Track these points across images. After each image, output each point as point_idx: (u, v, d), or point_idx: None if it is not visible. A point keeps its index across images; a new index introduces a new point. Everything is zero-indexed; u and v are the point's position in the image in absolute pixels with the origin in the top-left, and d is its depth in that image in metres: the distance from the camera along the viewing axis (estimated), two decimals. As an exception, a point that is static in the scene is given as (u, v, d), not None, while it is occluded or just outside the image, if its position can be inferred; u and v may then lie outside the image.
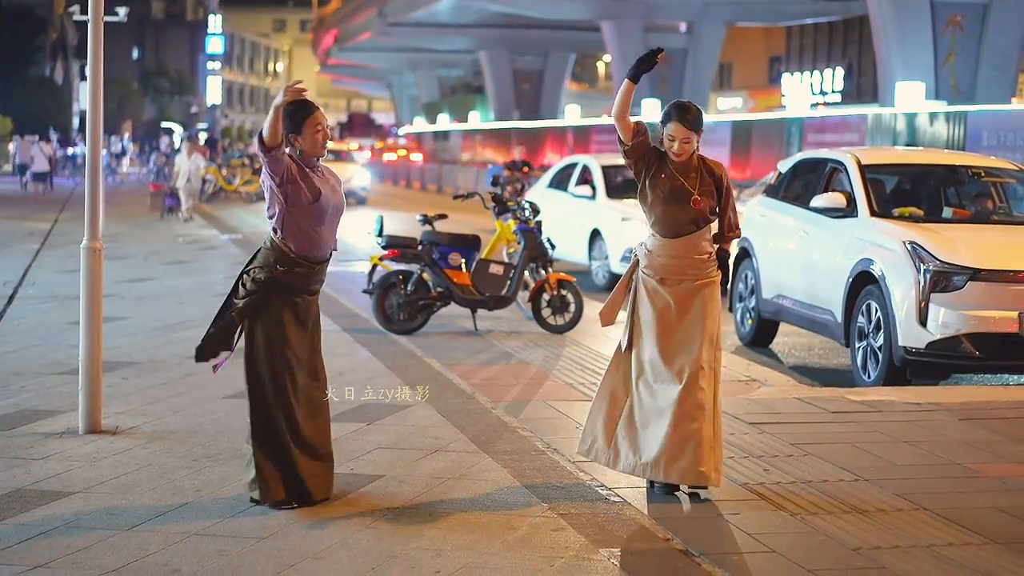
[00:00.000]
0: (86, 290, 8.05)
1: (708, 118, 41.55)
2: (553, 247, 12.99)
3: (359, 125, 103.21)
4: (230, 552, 5.75)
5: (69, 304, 12.87)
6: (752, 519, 6.41)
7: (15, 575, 5.43)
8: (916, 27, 34.62)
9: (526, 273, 12.68)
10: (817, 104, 56.53)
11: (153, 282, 16.18)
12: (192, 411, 8.65)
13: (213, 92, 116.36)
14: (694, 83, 53.27)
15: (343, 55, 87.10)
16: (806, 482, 7.11)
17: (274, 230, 6.50)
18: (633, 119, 6.79)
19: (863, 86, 55.98)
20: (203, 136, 61.21)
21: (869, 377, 10.57)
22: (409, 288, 12.23)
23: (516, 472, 7.17)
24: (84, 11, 29.13)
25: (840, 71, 58.20)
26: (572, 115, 67.26)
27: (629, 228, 17.25)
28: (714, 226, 6.90)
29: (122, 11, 38.50)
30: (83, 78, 65.13)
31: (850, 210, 11.21)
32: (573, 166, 19.53)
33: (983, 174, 11.88)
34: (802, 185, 12.55)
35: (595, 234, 17.88)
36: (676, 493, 6.75)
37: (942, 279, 9.95)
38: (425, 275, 12.33)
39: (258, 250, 6.66)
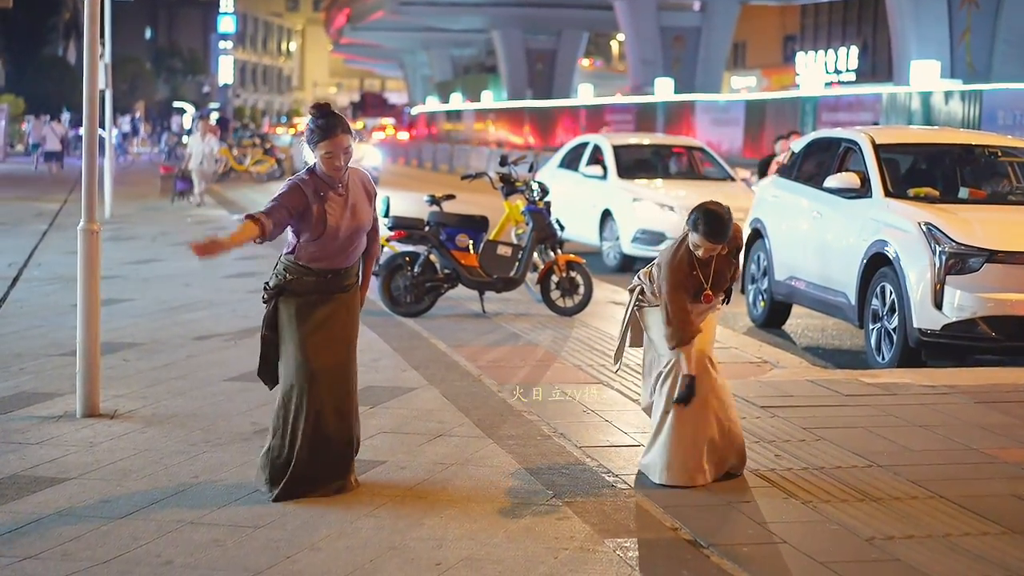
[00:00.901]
0: (84, 273, 7.92)
1: (722, 97, 41.36)
2: (562, 228, 12.80)
3: (372, 105, 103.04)
4: (225, 542, 5.60)
5: (73, 286, 12.60)
6: (763, 507, 6.24)
7: (4, 566, 5.29)
8: (931, 4, 34.28)
9: (535, 254, 12.50)
10: (831, 83, 56.14)
11: (160, 263, 16.03)
12: (193, 394, 8.50)
13: (225, 72, 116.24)
14: (708, 62, 52.94)
15: (356, 34, 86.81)
16: (818, 468, 6.93)
17: (288, 241, 6.34)
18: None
19: (878, 65, 55.54)
20: (215, 116, 61.09)
21: (883, 359, 10.38)
22: (416, 270, 12.06)
23: (521, 458, 7.01)
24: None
25: (855, 50, 57.78)
26: (585, 94, 66.93)
27: (640, 208, 17.10)
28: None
29: (132, -10, 38.34)
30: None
31: (864, 191, 11.02)
32: (584, 146, 19.33)
33: (1000, 154, 11.65)
34: (815, 165, 12.35)
35: (606, 214, 17.70)
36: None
37: (958, 261, 9.75)
38: (432, 256, 12.16)
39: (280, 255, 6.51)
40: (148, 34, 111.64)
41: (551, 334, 11.27)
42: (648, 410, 6.92)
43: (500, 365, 9.75)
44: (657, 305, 6.72)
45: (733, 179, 18.48)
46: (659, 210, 17.00)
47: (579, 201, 18.05)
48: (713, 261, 6.62)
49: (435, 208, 12.57)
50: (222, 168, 35.23)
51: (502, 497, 6.31)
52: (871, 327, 10.60)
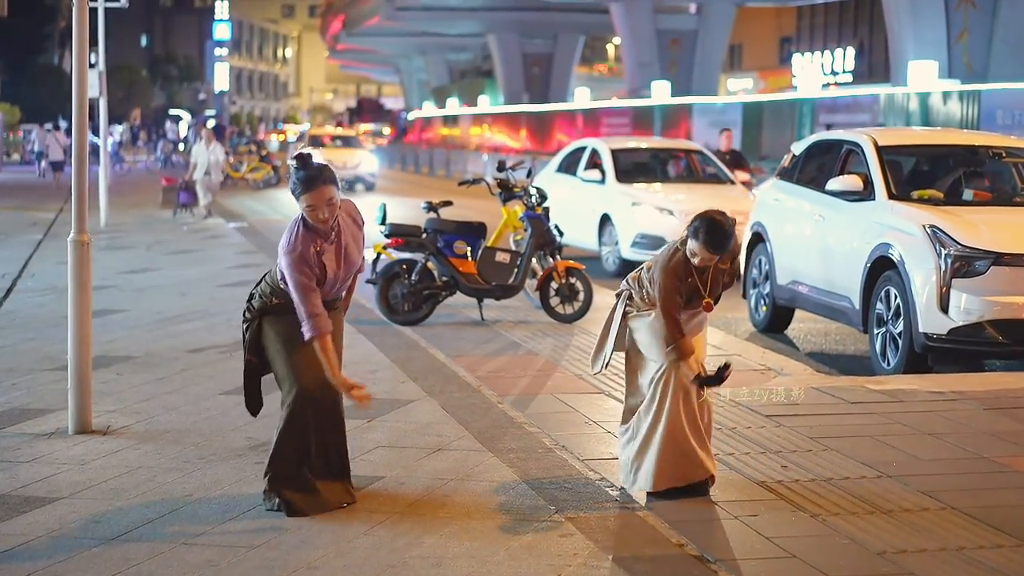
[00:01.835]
0: (74, 286, 7.80)
1: (719, 100, 41.22)
2: (561, 234, 12.64)
3: (368, 111, 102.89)
4: (219, 563, 5.44)
5: (67, 296, 12.58)
6: (770, 521, 6.08)
7: (-9, 590, 5.14)
8: (928, 5, 34.10)
9: (534, 261, 12.36)
10: (828, 84, 56.00)
11: (155, 272, 15.85)
12: (186, 408, 8.35)
13: (221, 79, 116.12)
14: (704, 64, 52.75)
15: (352, 40, 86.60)
16: (826, 480, 6.78)
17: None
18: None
19: (874, 66, 55.39)
20: (211, 123, 60.89)
21: (888, 364, 10.23)
22: (413, 277, 11.91)
23: (522, 472, 6.85)
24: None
25: (851, 51, 57.65)
26: (582, 98, 66.77)
27: (640, 212, 16.96)
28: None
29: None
30: (91, 65, 64.98)
31: (867, 193, 10.88)
32: (582, 150, 19.18)
33: (1004, 155, 11.50)
34: (817, 167, 12.20)
35: (605, 219, 17.56)
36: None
37: (964, 264, 9.60)
38: (430, 264, 12.01)
39: (264, 274, 6.39)
40: (144, 41, 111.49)
41: (551, 342, 11.11)
42: (628, 414, 6.72)
43: (500, 375, 9.59)
44: (645, 311, 6.55)
45: (732, 182, 18.34)
46: (658, 214, 16.86)
47: (578, 206, 17.90)
48: (710, 270, 6.46)
49: (432, 215, 12.42)
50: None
51: (503, 513, 6.15)
52: (876, 332, 10.44)
